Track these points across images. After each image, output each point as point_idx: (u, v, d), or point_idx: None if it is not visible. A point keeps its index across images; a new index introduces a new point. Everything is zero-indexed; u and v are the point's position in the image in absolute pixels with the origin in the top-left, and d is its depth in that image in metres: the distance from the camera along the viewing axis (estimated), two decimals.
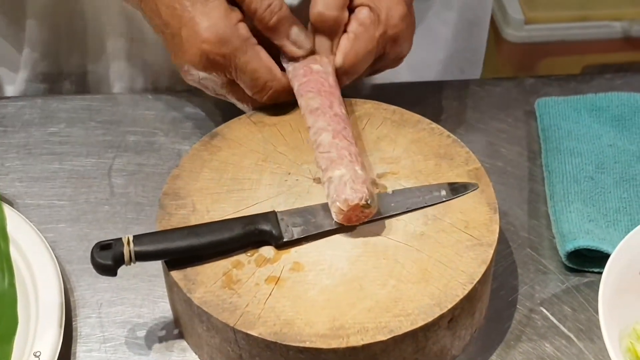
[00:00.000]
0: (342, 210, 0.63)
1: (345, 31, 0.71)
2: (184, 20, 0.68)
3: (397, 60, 0.74)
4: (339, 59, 0.71)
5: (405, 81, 0.88)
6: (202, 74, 0.70)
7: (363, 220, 0.64)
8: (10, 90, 0.92)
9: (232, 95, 0.73)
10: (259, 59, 0.69)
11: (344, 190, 0.63)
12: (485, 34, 1.04)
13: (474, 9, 0.98)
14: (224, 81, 0.71)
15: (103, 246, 0.62)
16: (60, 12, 0.86)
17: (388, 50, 0.72)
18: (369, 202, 0.63)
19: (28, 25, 0.87)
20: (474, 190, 0.66)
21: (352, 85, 0.74)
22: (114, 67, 0.89)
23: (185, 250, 0.62)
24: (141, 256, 0.62)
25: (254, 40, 0.69)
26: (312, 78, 0.70)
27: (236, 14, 0.69)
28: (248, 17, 0.70)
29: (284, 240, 0.63)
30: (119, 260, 0.61)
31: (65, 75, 0.91)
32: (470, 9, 0.97)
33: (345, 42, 0.71)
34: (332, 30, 0.71)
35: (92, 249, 0.62)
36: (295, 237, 0.63)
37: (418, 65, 0.94)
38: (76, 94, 0.90)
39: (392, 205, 0.65)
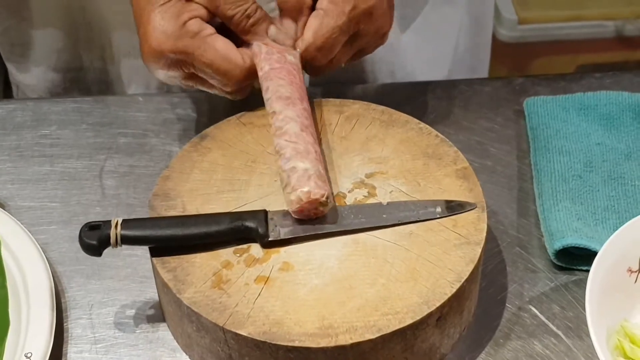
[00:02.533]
0: (301, 200, 0.63)
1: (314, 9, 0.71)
2: (142, 19, 0.69)
3: (378, 37, 0.73)
4: (308, 36, 0.70)
5: (395, 82, 0.88)
6: (163, 72, 0.70)
7: (312, 217, 0.64)
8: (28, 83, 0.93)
9: (201, 86, 0.72)
10: (214, 51, 0.68)
11: (307, 182, 0.63)
12: (490, 30, 1.04)
13: (477, 6, 0.98)
14: (187, 75, 0.70)
15: (92, 226, 0.63)
16: (65, 11, 0.87)
17: (364, 26, 0.71)
18: (328, 200, 0.63)
19: (35, 21, 0.88)
20: (470, 210, 0.66)
21: (337, 70, 0.73)
22: (125, 64, 0.90)
23: (171, 238, 0.63)
24: (127, 240, 0.62)
25: (207, 32, 0.68)
26: (286, 67, 0.70)
27: (189, 12, 0.68)
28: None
29: (270, 239, 0.64)
30: (104, 241, 0.62)
31: (86, 70, 0.92)
32: (473, 6, 0.97)
33: (313, 20, 0.70)
34: (296, 10, 0.71)
35: (81, 228, 0.63)
36: (282, 237, 0.64)
37: (427, 63, 0.94)
38: (98, 93, 0.92)
39: (384, 217, 0.65)
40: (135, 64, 0.88)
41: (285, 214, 0.65)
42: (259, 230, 0.64)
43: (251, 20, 0.70)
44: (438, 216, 0.65)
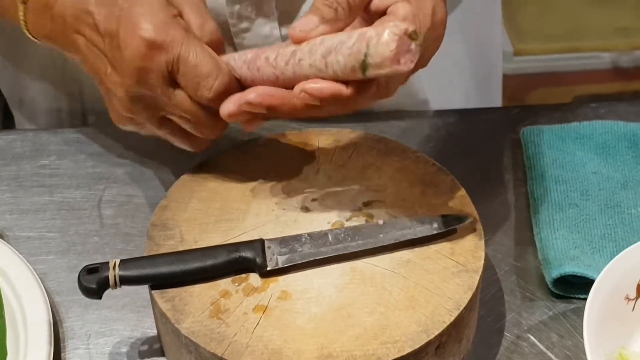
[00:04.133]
0: (396, 36, 0.56)
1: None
2: (121, 20, 0.64)
3: (425, 61, 0.66)
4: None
5: (393, 109, 0.89)
6: (130, 105, 0.66)
7: (410, 64, 0.57)
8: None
9: (164, 129, 0.69)
10: (202, 49, 0.65)
11: (379, 28, 0.57)
12: (500, 57, 1.04)
13: (482, 35, 0.99)
14: (158, 102, 0.66)
15: (90, 270, 0.63)
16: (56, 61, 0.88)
17: (424, 52, 0.62)
18: (414, 34, 0.57)
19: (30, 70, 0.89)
20: (468, 222, 0.66)
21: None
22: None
23: (170, 276, 0.63)
24: (126, 280, 0.63)
25: (194, 34, 0.66)
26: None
27: (173, 9, 0.66)
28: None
29: (268, 268, 0.64)
30: (103, 284, 0.62)
31: (73, 114, 0.92)
32: (479, 35, 0.98)
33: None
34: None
35: (80, 272, 0.63)
36: (280, 265, 0.64)
37: (440, 93, 0.94)
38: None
39: (381, 237, 0.66)
40: None
41: (282, 241, 0.65)
42: (257, 260, 0.64)
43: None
44: (435, 232, 0.65)
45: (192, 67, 0.64)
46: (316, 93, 0.60)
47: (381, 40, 0.57)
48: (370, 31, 0.58)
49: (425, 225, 0.66)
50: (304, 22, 0.62)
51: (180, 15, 0.66)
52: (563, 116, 0.86)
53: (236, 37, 0.83)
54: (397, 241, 0.65)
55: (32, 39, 0.72)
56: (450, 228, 0.66)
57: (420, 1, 0.63)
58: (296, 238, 0.65)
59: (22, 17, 0.70)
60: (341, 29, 0.62)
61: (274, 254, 0.64)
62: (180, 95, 0.65)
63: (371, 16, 0.63)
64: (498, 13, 1.03)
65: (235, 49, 0.83)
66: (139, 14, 0.64)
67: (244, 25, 0.82)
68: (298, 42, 0.62)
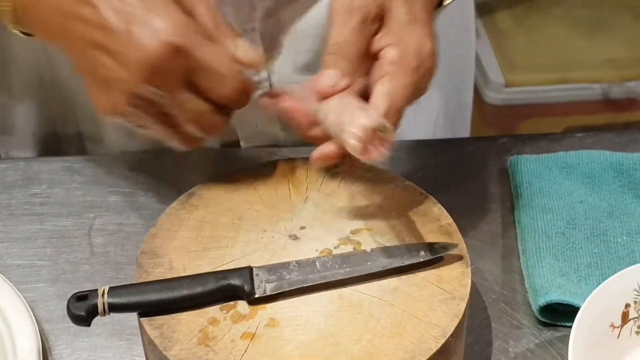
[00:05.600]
0: (359, 136, 0.60)
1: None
2: (133, 17, 0.62)
3: (421, 95, 0.69)
4: (385, 103, 0.64)
5: None
6: (133, 100, 0.64)
7: (380, 153, 0.62)
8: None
9: (162, 126, 0.66)
10: (220, 51, 0.64)
11: (355, 113, 0.61)
12: (471, 93, 1.06)
13: (457, 71, 1.00)
14: (164, 100, 0.64)
15: (79, 297, 0.63)
16: (45, 81, 0.88)
17: (419, 85, 0.67)
18: (380, 127, 0.61)
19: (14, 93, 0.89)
20: (453, 249, 0.67)
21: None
22: (106, 128, 0.90)
23: (158, 303, 0.63)
24: (115, 308, 0.63)
25: (209, 35, 0.65)
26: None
27: (185, 6, 0.65)
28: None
29: (256, 296, 0.64)
30: (92, 311, 0.63)
31: (63, 138, 0.92)
32: (451, 65, 0.99)
33: (383, 87, 0.65)
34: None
35: (69, 300, 0.63)
36: (268, 293, 0.64)
37: (412, 123, 0.95)
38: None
39: (368, 264, 0.66)
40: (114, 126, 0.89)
41: (270, 269, 0.65)
42: (245, 287, 0.64)
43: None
44: (422, 259, 0.66)
45: (212, 71, 0.64)
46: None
47: (348, 142, 0.61)
48: (347, 125, 0.62)
49: (412, 253, 0.66)
50: (327, 78, 0.66)
51: (191, 13, 0.65)
52: (550, 146, 0.87)
53: None
54: (384, 269, 0.66)
55: (16, 32, 0.69)
56: (437, 256, 0.66)
57: (405, 42, 0.66)
58: (284, 265, 0.66)
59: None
60: (361, 75, 0.66)
61: (262, 282, 0.65)
62: (194, 99, 0.65)
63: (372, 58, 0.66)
64: (472, 42, 1.04)
65: None
66: (155, 12, 0.63)
67: None
68: (325, 97, 0.65)
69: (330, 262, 0.66)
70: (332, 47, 0.66)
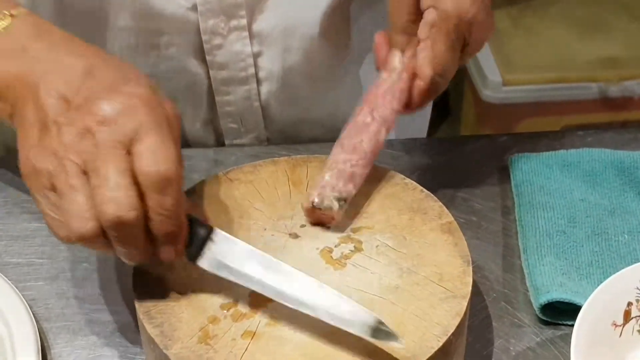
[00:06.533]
0: (305, 212, 0.70)
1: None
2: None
3: (481, 43, 0.73)
4: (426, 68, 0.69)
5: None
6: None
7: (329, 222, 0.69)
8: None
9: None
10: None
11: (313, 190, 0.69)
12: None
13: None
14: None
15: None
16: None
17: (467, 39, 0.71)
18: (318, 205, 0.68)
19: None
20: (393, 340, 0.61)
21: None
22: None
23: None
24: None
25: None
26: (370, 87, 0.73)
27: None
28: None
29: (197, 263, 0.64)
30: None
31: None
32: None
33: (425, 52, 0.70)
34: (403, 46, 0.72)
35: None
36: (206, 268, 0.64)
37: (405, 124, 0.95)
38: None
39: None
40: None
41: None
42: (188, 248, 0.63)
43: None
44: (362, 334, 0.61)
45: (153, 148, 0.60)
46: None
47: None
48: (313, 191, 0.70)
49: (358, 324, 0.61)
50: (393, 60, 0.72)
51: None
52: (550, 144, 0.87)
53: (209, 55, 0.84)
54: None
55: None
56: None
57: (443, 1, 0.69)
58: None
59: None
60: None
61: (210, 250, 0.64)
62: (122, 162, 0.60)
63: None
64: None
65: (207, 67, 0.84)
66: (137, 79, 0.63)
67: (217, 41, 0.83)
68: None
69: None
70: (392, 13, 0.72)
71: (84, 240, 0.60)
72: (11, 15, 0.66)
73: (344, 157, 0.70)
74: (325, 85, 0.90)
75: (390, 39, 0.73)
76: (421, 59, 0.70)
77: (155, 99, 0.63)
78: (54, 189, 0.61)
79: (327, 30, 0.85)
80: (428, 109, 1.01)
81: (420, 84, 0.71)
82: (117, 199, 0.58)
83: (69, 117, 0.61)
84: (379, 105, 0.71)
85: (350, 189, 0.69)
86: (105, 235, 0.60)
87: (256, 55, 0.85)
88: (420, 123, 1.03)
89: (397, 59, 0.72)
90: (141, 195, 0.60)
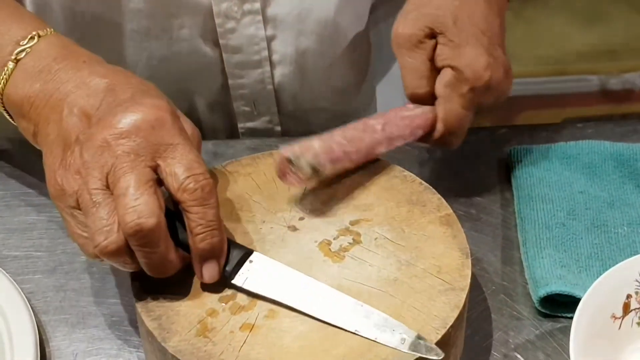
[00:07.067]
0: (276, 162, 0.69)
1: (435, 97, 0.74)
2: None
3: (499, 100, 0.76)
4: (440, 126, 0.73)
5: None
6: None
7: (294, 181, 0.68)
8: None
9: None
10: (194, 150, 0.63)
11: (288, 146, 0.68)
12: None
13: None
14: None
15: None
16: None
17: (482, 99, 0.73)
18: (292, 159, 0.67)
19: None
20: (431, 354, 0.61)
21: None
22: None
23: None
24: None
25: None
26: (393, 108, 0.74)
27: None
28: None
29: (232, 282, 0.64)
30: None
31: None
32: None
33: (439, 108, 0.73)
34: (426, 99, 0.74)
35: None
36: (244, 286, 0.64)
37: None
38: None
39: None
40: None
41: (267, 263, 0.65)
42: (226, 268, 0.63)
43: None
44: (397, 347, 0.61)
45: (185, 162, 0.62)
46: None
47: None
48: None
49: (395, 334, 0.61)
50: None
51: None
52: (550, 136, 0.87)
53: (222, 38, 0.84)
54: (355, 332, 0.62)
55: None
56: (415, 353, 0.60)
57: (459, 64, 0.71)
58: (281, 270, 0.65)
59: (6, 75, 0.67)
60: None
61: (249, 270, 0.64)
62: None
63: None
64: None
65: (220, 51, 0.84)
66: (159, 98, 0.64)
67: (230, 25, 0.83)
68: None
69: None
70: (406, 72, 0.74)
71: (110, 254, 0.60)
72: (39, 36, 0.68)
73: (340, 140, 0.70)
74: (338, 69, 0.90)
75: (410, 95, 0.74)
76: (437, 112, 0.73)
77: (175, 110, 0.64)
78: (79, 207, 0.62)
79: (342, 14, 0.85)
80: None
81: (434, 133, 0.74)
82: (137, 208, 0.59)
83: (89, 133, 0.62)
84: (393, 124, 0.73)
85: (328, 166, 0.69)
86: (130, 247, 0.61)
87: (270, 39, 0.85)
88: None
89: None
90: (179, 213, 0.62)
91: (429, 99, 0.74)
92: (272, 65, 0.86)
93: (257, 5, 0.82)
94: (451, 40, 0.72)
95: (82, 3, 0.81)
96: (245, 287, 0.63)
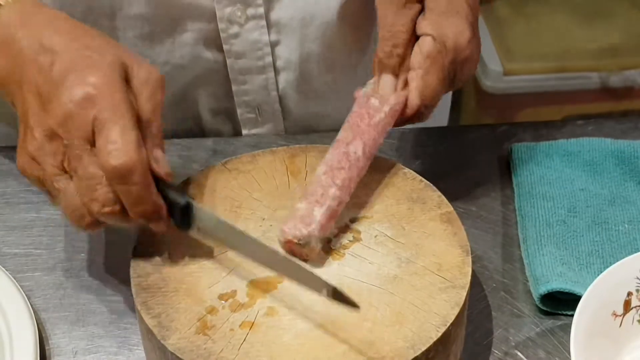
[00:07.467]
0: (280, 240, 0.66)
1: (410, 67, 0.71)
2: (77, 64, 0.62)
3: (464, 81, 0.73)
4: (415, 98, 0.70)
5: None
6: (42, 144, 0.62)
7: (302, 258, 0.66)
8: None
9: (60, 184, 0.63)
10: (129, 126, 0.61)
11: (290, 221, 0.65)
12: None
13: None
14: (68, 153, 0.61)
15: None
16: None
17: (458, 74, 0.71)
18: (301, 242, 0.65)
19: None
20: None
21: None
22: None
23: None
24: None
25: (132, 105, 0.63)
26: (360, 111, 0.70)
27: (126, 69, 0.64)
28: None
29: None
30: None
31: None
32: None
33: (417, 81, 0.70)
34: (395, 70, 0.71)
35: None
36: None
37: None
38: None
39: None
40: None
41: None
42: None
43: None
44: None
45: (108, 140, 0.60)
46: None
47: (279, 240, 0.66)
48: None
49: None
50: (385, 84, 0.71)
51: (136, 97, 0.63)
52: (550, 133, 0.87)
53: (225, 43, 0.83)
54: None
55: None
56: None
57: (442, 34, 0.69)
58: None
59: None
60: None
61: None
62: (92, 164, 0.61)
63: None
64: None
65: (224, 56, 0.84)
66: (94, 66, 0.62)
67: (234, 30, 0.82)
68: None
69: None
70: (385, 32, 0.70)
71: (89, 230, 0.64)
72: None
73: (334, 192, 0.67)
74: (343, 75, 0.90)
75: (379, 60, 0.71)
76: (412, 88, 0.70)
77: (112, 80, 0.62)
78: (47, 188, 0.64)
79: (346, 19, 0.85)
80: (448, 97, 1.01)
81: (406, 111, 0.71)
82: (98, 197, 0.61)
83: (37, 119, 0.62)
84: (371, 139, 0.70)
85: (333, 228, 0.68)
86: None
87: (274, 44, 0.85)
88: (442, 113, 1.03)
89: (388, 85, 0.71)
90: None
91: (393, 70, 0.71)
92: (276, 71, 0.86)
93: (261, 10, 0.82)
94: (438, 7, 0.69)
95: (81, 8, 0.81)
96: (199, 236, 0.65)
